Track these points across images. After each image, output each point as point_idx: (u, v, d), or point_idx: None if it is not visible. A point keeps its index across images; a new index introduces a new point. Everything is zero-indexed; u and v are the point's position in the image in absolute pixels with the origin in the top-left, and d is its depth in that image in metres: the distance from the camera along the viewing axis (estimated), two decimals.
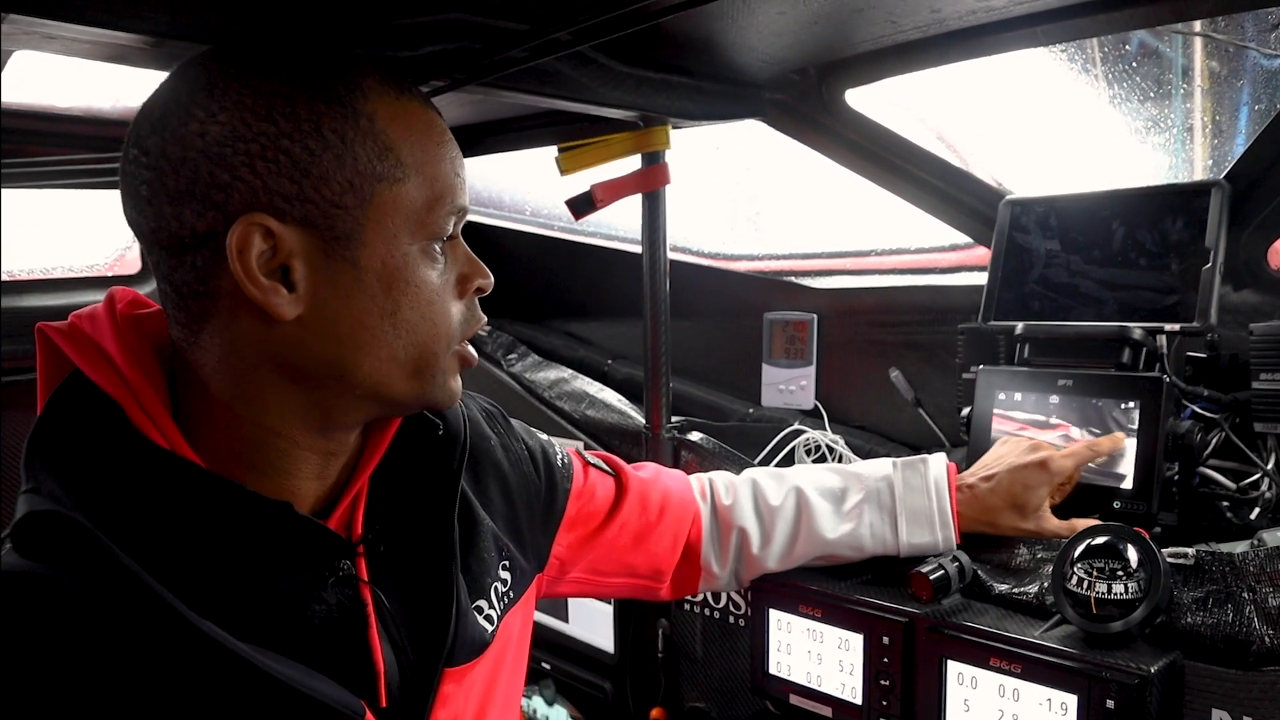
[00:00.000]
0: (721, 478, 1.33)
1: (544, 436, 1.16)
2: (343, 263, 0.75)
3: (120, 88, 1.61)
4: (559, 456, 1.15)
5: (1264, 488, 1.26)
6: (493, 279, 0.86)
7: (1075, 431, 1.25)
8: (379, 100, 0.76)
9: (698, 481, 1.32)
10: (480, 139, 1.78)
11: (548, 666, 1.91)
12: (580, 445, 1.85)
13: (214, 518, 0.74)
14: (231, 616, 0.71)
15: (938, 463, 1.25)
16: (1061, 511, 1.25)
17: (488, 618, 0.92)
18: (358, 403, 0.80)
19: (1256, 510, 1.26)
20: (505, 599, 0.96)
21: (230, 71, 0.73)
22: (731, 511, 1.28)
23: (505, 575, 0.98)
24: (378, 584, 0.83)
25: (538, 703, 1.95)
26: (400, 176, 0.76)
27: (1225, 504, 1.28)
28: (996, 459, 1.26)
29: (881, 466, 1.27)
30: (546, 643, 1.90)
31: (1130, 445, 1.24)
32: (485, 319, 0.86)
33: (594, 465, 1.21)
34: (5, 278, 2.03)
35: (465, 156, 2.07)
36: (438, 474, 0.91)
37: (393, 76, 0.79)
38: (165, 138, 0.72)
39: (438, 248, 0.80)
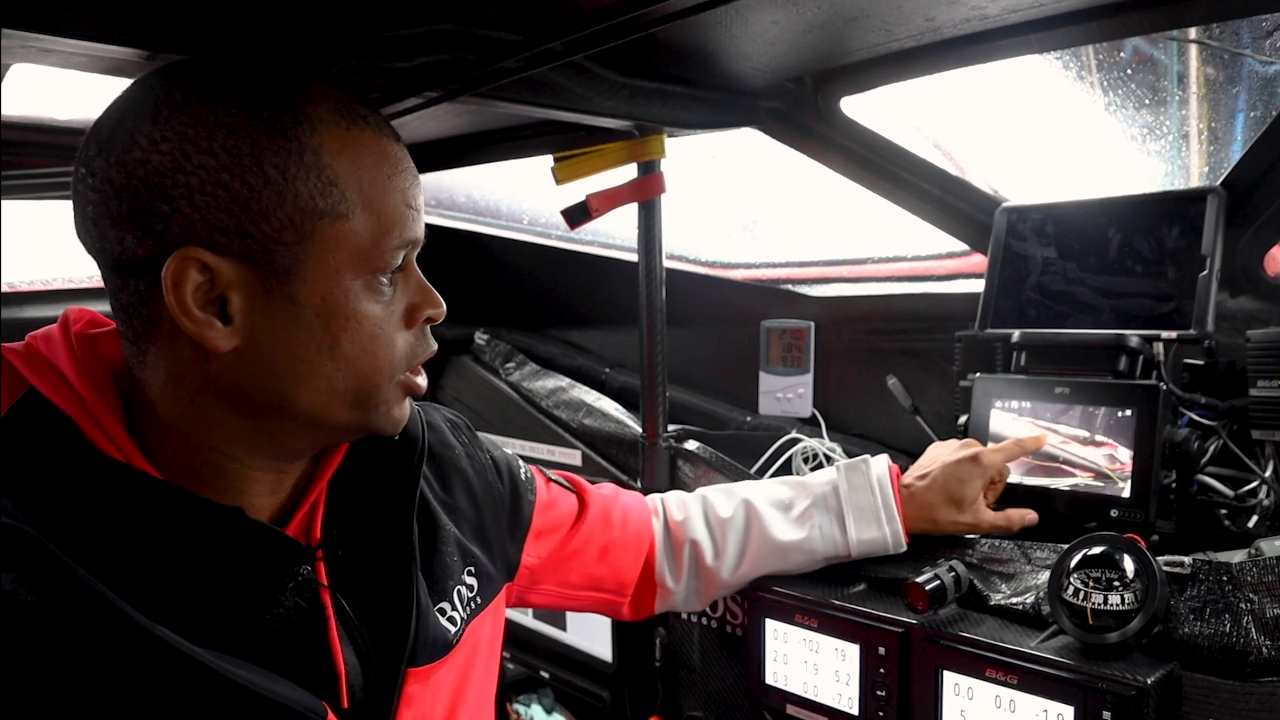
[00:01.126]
0: (673, 496, 1.36)
1: (508, 451, 1.18)
2: (281, 297, 0.74)
3: None
4: (522, 470, 1.18)
5: (1262, 495, 1.26)
6: (444, 308, 0.84)
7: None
8: (328, 132, 0.75)
9: (650, 501, 1.34)
10: (476, 149, 1.78)
11: (546, 675, 1.91)
12: (579, 456, 1.85)
13: (169, 526, 0.74)
14: (190, 623, 0.72)
15: (879, 462, 1.29)
16: (1064, 519, 1.26)
17: (450, 619, 0.93)
18: (300, 431, 0.80)
19: (1255, 518, 1.26)
20: (471, 604, 0.97)
21: (176, 97, 0.72)
22: (683, 526, 1.31)
23: (470, 580, 0.99)
24: (338, 588, 0.84)
25: (536, 710, 1.95)
26: (344, 212, 0.75)
27: (1223, 512, 1.27)
28: (930, 460, 1.30)
29: (826, 474, 1.31)
30: (545, 651, 1.90)
31: (1125, 453, 1.23)
32: (435, 347, 0.85)
33: (555, 481, 1.23)
34: (5, 289, 2.04)
35: (460, 166, 2.09)
36: (396, 477, 0.91)
37: (347, 104, 0.78)
38: (110, 161, 0.72)
39: (385, 280, 0.79)
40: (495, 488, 1.10)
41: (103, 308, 0.83)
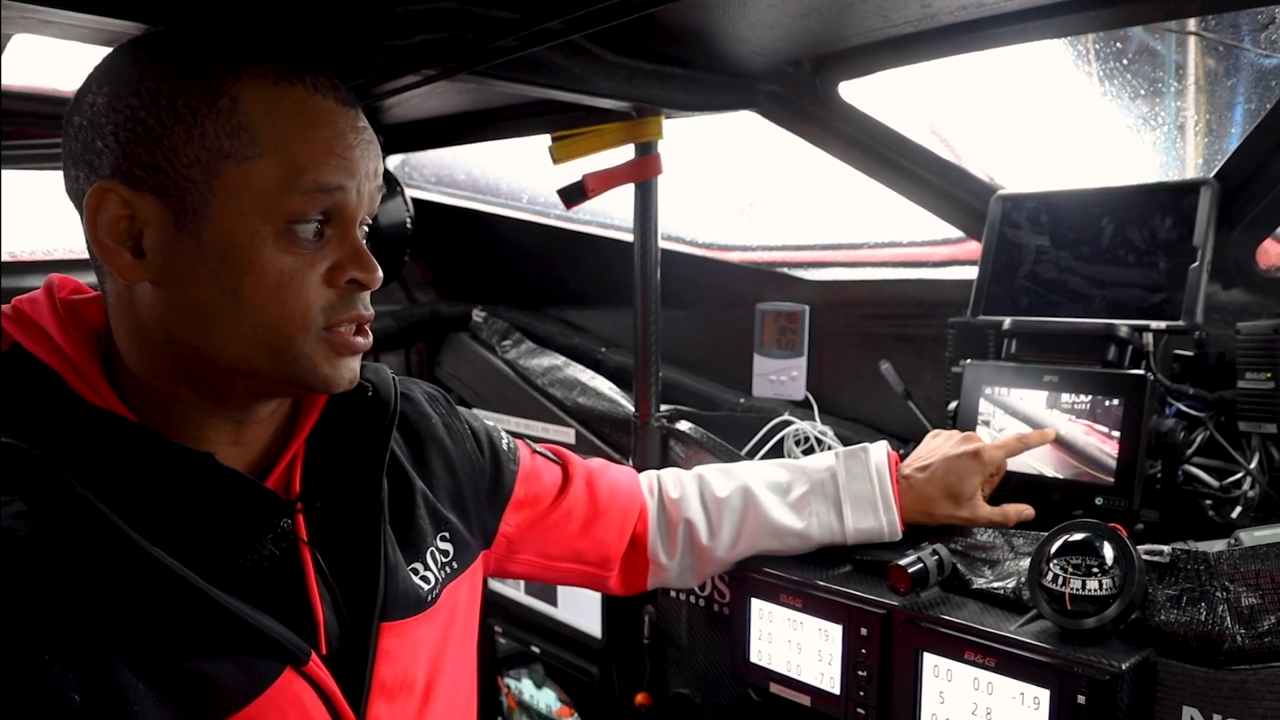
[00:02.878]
0: (670, 474, 1.37)
1: (490, 423, 1.20)
2: (189, 236, 0.77)
3: None
4: (504, 440, 1.19)
5: (1246, 486, 1.27)
6: (375, 276, 0.83)
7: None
8: (252, 83, 0.78)
9: (646, 478, 1.36)
10: (474, 127, 1.79)
11: (537, 650, 1.93)
12: (572, 434, 1.86)
13: (148, 469, 0.78)
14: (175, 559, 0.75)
15: (878, 450, 1.29)
16: (1049, 506, 1.27)
17: (424, 579, 0.96)
18: (230, 379, 0.81)
19: (1238, 509, 1.27)
20: (447, 569, 1.00)
21: (130, 52, 0.79)
22: (679, 505, 1.32)
23: (445, 546, 1.01)
24: (316, 543, 0.87)
25: (526, 684, 1.98)
26: (251, 155, 0.77)
27: (1208, 502, 1.28)
28: (930, 451, 1.30)
29: (825, 459, 1.32)
30: (536, 627, 1.92)
31: (1107, 444, 1.24)
32: (364, 312, 0.84)
33: (539, 453, 1.25)
34: (7, 259, 2.05)
35: (459, 144, 2.09)
36: (369, 436, 0.94)
37: (287, 65, 0.79)
38: (73, 109, 0.79)
39: (306, 232, 0.80)
40: (473, 456, 1.12)
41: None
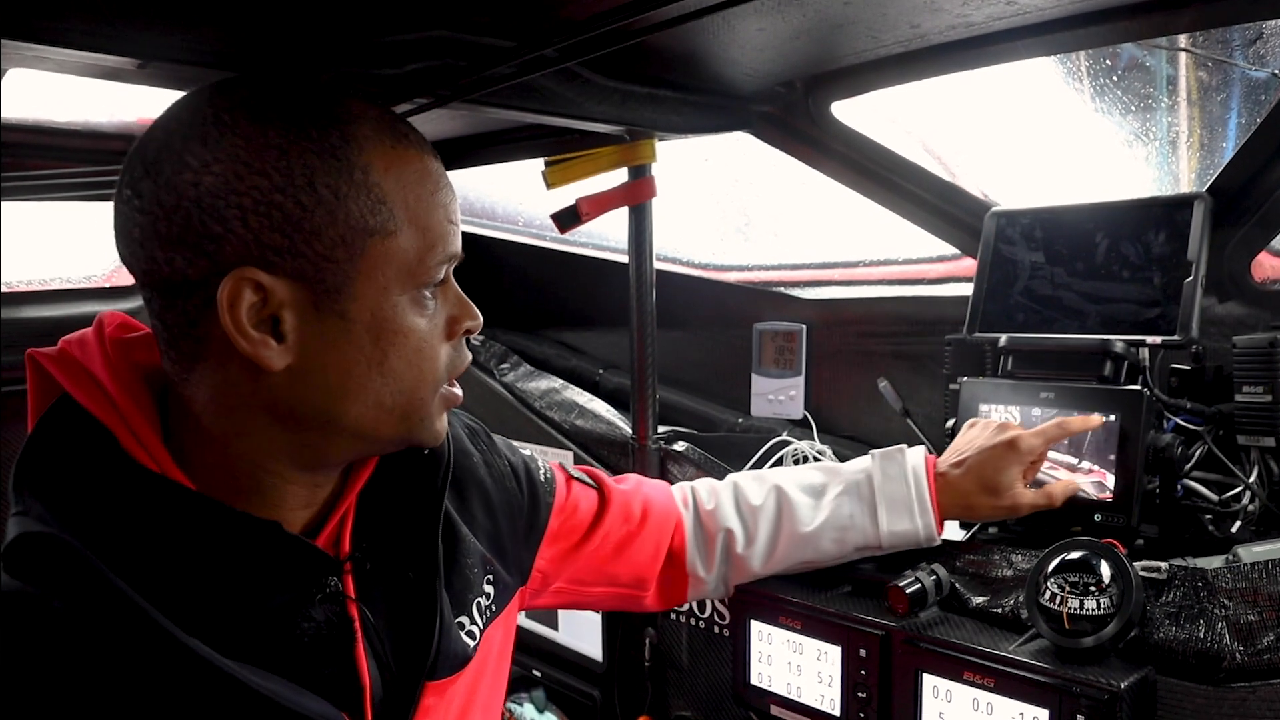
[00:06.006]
0: (703, 484, 1.34)
1: (527, 452, 1.17)
2: (332, 315, 0.75)
3: (116, 103, 1.63)
4: (542, 471, 1.16)
5: (1246, 500, 1.26)
6: (481, 319, 0.86)
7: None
8: (374, 151, 0.76)
9: (680, 490, 1.32)
10: (468, 152, 1.80)
11: (539, 674, 1.93)
12: (570, 457, 1.86)
13: (204, 539, 0.75)
14: (222, 635, 0.72)
15: (915, 452, 1.26)
16: (1044, 525, 1.26)
17: (469, 633, 0.94)
18: (345, 444, 0.81)
19: (1238, 523, 1.26)
20: (488, 613, 0.98)
21: (224, 118, 0.72)
22: (714, 515, 1.29)
23: (489, 589, 0.99)
24: (364, 600, 0.84)
25: (529, 709, 1.97)
26: (392, 229, 0.76)
27: (1208, 516, 1.28)
28: (966, 443, 1.26)
29: (861, 461, 1.28)
30: (537, 651, 1.92)
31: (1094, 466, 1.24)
32: (470, 358, 0.86)
33: (577, 479, 1.22)
34: (5, 289, 2.06)
35: (452, 169, 2.10)
36: (422, 493, 0.92)
37: (389, 122, 0.78)
38: (158, 183, 0.72)
39: (428, 294, 0.80)
40: (513, 494, 1.09)
41: (103, 307, 0.83)
